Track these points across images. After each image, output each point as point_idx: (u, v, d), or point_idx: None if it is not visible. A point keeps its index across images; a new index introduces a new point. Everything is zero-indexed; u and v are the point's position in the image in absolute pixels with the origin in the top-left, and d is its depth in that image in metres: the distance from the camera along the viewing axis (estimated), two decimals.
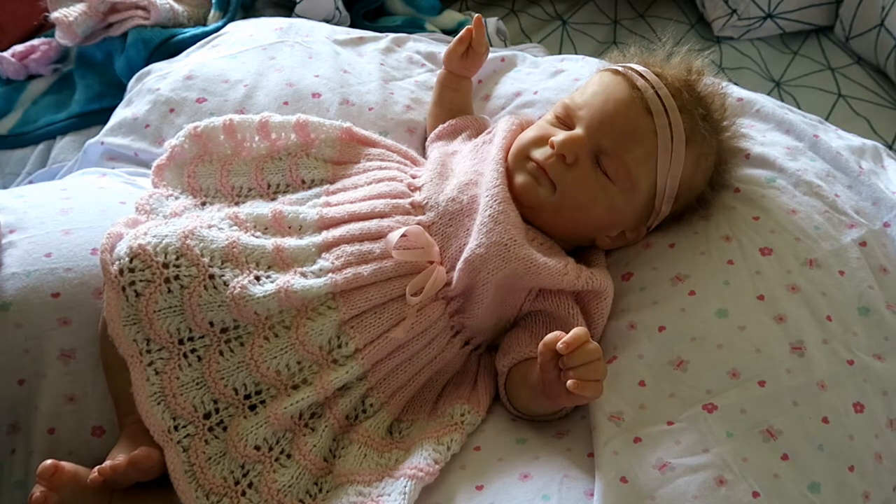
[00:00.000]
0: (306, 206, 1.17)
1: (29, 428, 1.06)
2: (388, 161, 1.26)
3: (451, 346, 1.13)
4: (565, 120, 1.18)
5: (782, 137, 1.32)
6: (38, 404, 1.06)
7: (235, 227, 1.10)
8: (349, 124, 1.28)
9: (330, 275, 1.07)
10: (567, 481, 1.02)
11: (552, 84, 1.45)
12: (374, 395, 1.09)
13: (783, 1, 1.82)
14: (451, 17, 1.86)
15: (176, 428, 1.01)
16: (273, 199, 1.21)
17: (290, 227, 1.14)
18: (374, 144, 1.28)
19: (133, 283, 1.01)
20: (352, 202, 1.16)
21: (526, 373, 1.09)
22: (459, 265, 1.09)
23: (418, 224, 1.13)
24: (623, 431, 1.04)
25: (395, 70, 1.51)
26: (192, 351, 1.03)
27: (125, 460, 0.97)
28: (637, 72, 1.18)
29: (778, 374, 1.07)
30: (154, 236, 1.03)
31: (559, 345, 0.96)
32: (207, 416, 1.02)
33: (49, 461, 0.96)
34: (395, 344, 1.08)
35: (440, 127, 1.34)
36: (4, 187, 1.57)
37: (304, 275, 1.07)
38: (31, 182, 1.53)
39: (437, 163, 1.22)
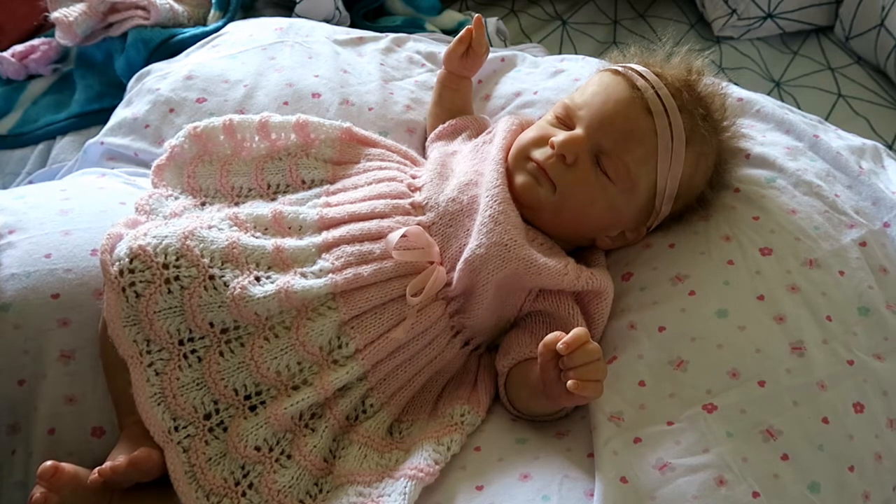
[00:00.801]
0: (306, 206, 1.17)
1: (29, 428, 1.06)
2: (388, 161, 1.26)
3: (451, 347, 1.13)
4: (565, 120, 1.18)
5: (782, 137, 1.32)
6: (37, 405, 1.06)
7: (235, 228, 1.10)
8: (349, 124, 1.28)
9: (330, 275, 1.07)
10: (567, 481, 1.02)
11: (552, 84, 1.45)
12: (374, 395, 1.09)
13: (783, 1, 1.82)
14: (451, 17, 1.86)
15: (176, 429, 1.01)
16: (273, 200, 1.21)
17: (290, 228, 1.14)
18: (374, 144, 1.28)
19: (133, 283, 1.01)
20: (352, 202, 1.16)
21: (526, 373, 1.09)
22: (459, 265, 1.09)
23: (418, 224, 1.13)
24: (623, 431, 1.04)
25: (395, 70, 1.51)
26: (193, 352, 1.03)
27: (125, 461, 0.97)
28: (637, 72, 1.18)
29: (778, 374, 1.07)
30: (154, 237, 1.03)
31: (559, 345, 0.96)
32: (208, 416, 1.02)
33: (49, 462, 0.96)
34: (396, 344, 1.08)
35: (440, 127, 1.34)
36: (4, 187, 1.57)
37: (304, 275, 1.07)
38: (31, 182, 1.53)
39: (437, 163, 1.22)
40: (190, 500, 0.99)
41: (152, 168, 1.23)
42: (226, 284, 1.02)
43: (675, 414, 1.05)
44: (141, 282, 1.01)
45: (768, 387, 1.06)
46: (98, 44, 1.70)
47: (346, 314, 1.06)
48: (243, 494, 1.00)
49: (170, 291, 1.01)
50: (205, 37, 1.59)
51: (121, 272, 1.01)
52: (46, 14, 1.70)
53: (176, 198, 1.19)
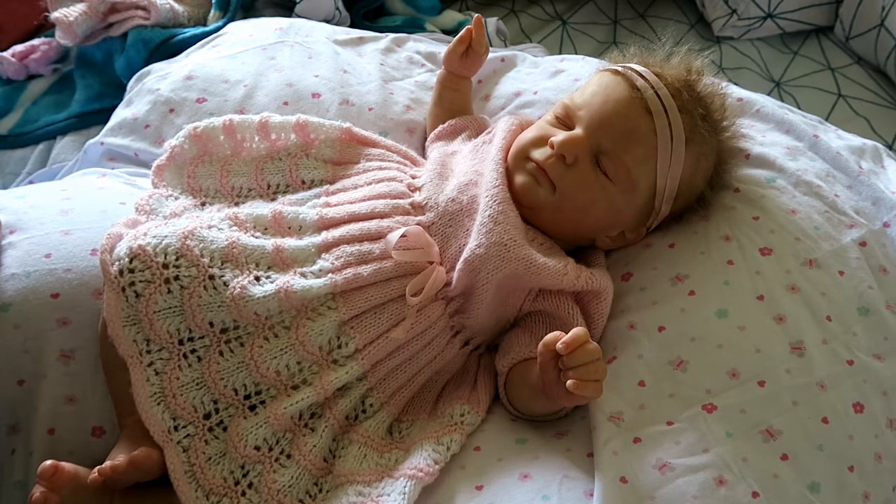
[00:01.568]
0: (306, 206, 1.17)
1: (29, 428, 1.06)
2: (388, 161, 1.26)
3: (450, 347, 1.13)
4: (565, 120, 1.18)
5: (782, 137, 1.31)
6: (37, 405, 1.06)
7: (235, 228, 1.10)
8: (349, 124, 1.28)
9: (330, 275, 1.07)
10: (567, 481, 1.02)
11: (552, 84, 1.45)
12: (373, 395, 1.09)
13: (783, 1, 1.82)
14: (451, 17, 1.86)
15: (176, 428, 1.01)
16: (273, 200, 1.21)
17: (289, 228, 1.14)
18: (373, 145, 1.28)
19: (133, 283, 1.01)
20: (351, 202, 1.16)
21: (526, 373, 1.09)
22: (459, 265, 1.09)
23: (418, 224, 1.13)
24: (623, 432, 1.04)
25: (395, 70, 1.51)
26: (192, 351, 1.03)
27: (125, 460, 0.97)
28: (637, 72, 1.18)
29: (778, 374, 1.07)
30: (154, 237, 1.03)
31: (559, 345, 0.96)
32: (207, 416, 1.02)
33: (49, 461, 0.96)
34: (395, 344, 1.08)
35: (440, 127, 1.34)
36: (4, 187, 1.57)
37: (303, 275, 1.07)
38: (31, 182, 1.53)
39: (436, 163, 1.22)
40: (190, 500, 0.99)
41: (152, 168, 1.23)
42: (225, 284, 1.03)
43: (674, 414, 1.05)
44: (141, 281, 1.01)
45: (768, 387, 1.06)
46: (98, 44, 1.70)
47: (346, 314, 1.06)
48: (243, 494, 1.01)
49: (169, 291, 1.01)
50: (205, 37, 1.59)
51: (121, 272, 1.01)
52: (46, 14, 1.70)
53: (176, 198, 1.19)
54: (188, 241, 1.03)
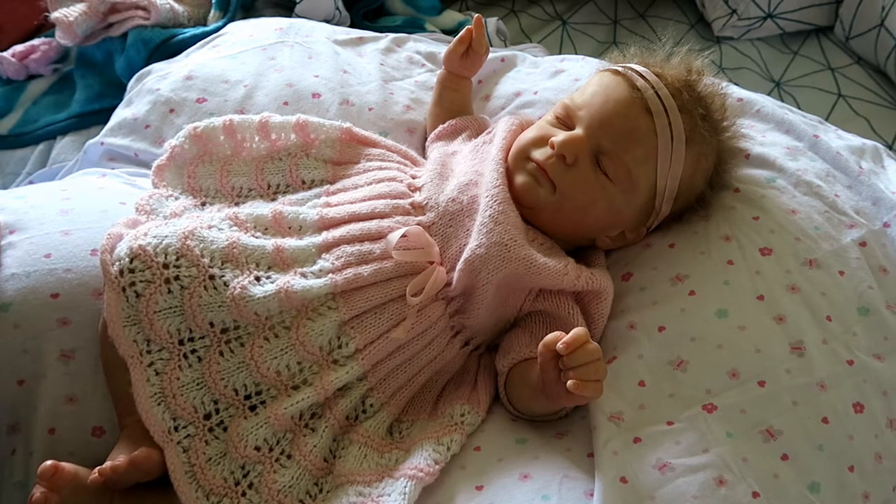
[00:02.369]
0: (306, 206, 1.17)
1: (29, 428, 1.06)
2: (388, 161, 1.26)
3: (451, 347, 1.13)
4: (565, 120, 1.18)
5: (782, 137, 1.32)
6: (37, 405, 1.06)
7: (235, 228, 1.10)
8: (349, 124, 1.28)
9: (330, 275, 1.07)
10: (567, 481, 1.02)
11: (552, 84, 1.45)
12: (374, 395, 1.09)
13: (783, 1, 1.82)
14: (451, 17, 1.86)
15: (176, 428, 1.01)
16: (273, 200, 1.21)
17: (290, 228, 1.14)
18: (374, 145, 1.28)
19: (133, 283, 1.01)
20: (352, 202, 1.16)
21: (526, 373, 1.09)
22: (459, 265, 1.09)
23: (418, 224, 1.13)
24: (623, 431, 1.04)
25: (395, 70, 1.51)
26: (193, 351, 1.03)
27: (125, 461, 0.97)
28: (637, 72, 1.18)
29: (778, 374, 1.07)
30: (154, 237, 1.03)
31: (559, 345, 0.96)
32: (208, 416, 1.02)
33: (49, 462, 0.96)
34: (396, 344, 1.08)
35: (440, 127, 1.34)
36: (5, 187, 1.57)
37: (304, 275, 1.07)
38: (31, 182, 1.53)
39: (437, 163, 1.22)
40: (190, 500, 0.99)
41: (153, 168, 1.23)
42: (226, 284, 1.03)
43: (674, 414, 1.05)
44: (141, 281, 1.01)
45: (768, 387, 1.06)
46: (98, 44, 1.70)
47: (346, 314, 1.06)
48: (243, 494, 1.01)
49: (170, 291, 1.01)
50: (205, 37, 1.59)
51: (121, 272, 1.01)
52: (46, 14, 1.70)
53: (176, 198, 1.19)
54: (188, 241, 1.03)
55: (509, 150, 1.20)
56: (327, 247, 1.11)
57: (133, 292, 1.01)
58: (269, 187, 1.23)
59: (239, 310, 1.02)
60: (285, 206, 1.17)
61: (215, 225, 1.09)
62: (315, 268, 1.08)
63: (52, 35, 1.73)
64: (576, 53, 1.82)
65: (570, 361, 0.96)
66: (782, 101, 1.53)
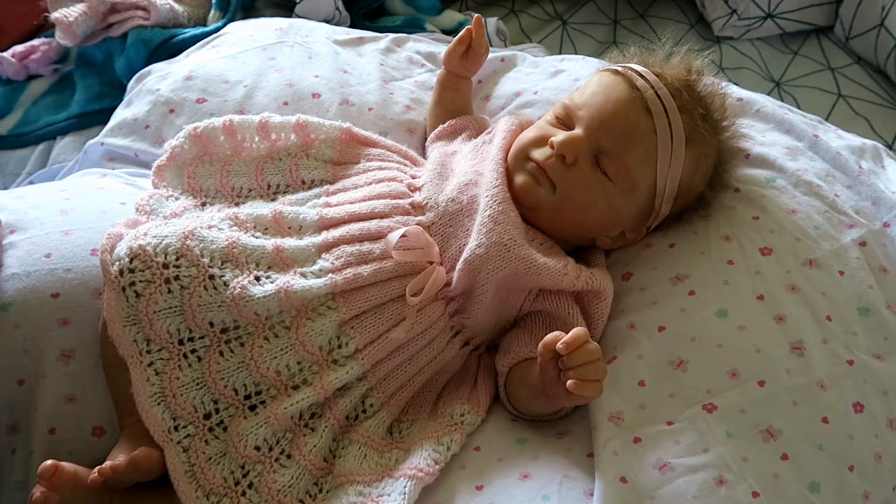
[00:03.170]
0: (306, 206, 1.17)
1: (29, 428, 1.06)
2: (388, 161, 1.26)
3: (450, 347, 1.13)
4: (565, 120, 1.18)
5: (782, 137, 1.32)
6: (37, 404, 1.06)
7: (235, 228, 1.10)
8: (349, 125, 1.28)
9: (330, 275, 1.07)
10: (567, 481, 1.02)
11: (552, 84, 1.45)
12: (374, 395, 1.09)
13: (783, 1, 1.82)
14: (451, 17, 1.86)
15: (176, 428, 1.01)
16: (273, 200, 1.21)
17: (289, 228, 1.14)
18: (373, 145, 1.28)
19: (133, 283, 1.01)
20: (352, 202, 1.16)
21: (526, 373, 1.09)
22: (459, 265, 1.09)
23: (418, 224, 1.13)
24: (623, 431, 1.04)
25: (395, 70, 1.51)
26: (192, 351, 1.03)
27: (125, 460, 0.97)
28: (637, 72, 1.18)
29: (778, 374, 1.07)
30: (154, 237, 1.03)
31: (559, 345, 0.96)
32: (207, 416, 1.02)
33: (49, 461, 0.96)
34: (395, 344, 1.08)
35: (440, 127, 1.34)
36: (4, 188, 1.56)
37: (303, 275, 1.07)
38: (31, 182, 1.53)
39: (436, 163, 1.22)
40: (190, 500, 0.99)
41: (153, 168, 1.23)
42: (226, 284, 1.03)
43: (674, 414, 1.05)
44: (141, 281, 1.01)
45: (768, 387, 1.06)
46: (98, 44, 1.70)
47: (346, 314, 1.06)
48: (243, 494, 1.01)
49: (170, 291, 1.01)
50: (205, 37, 1.59)
51: (121, 272, 1.01)
52: (46, 14, 1.70)
53: (176, 198, 1.19)
54: (188, 241, 1.03)
55: (509, 150, 1.20)
56: (327, 247, 1.11)
57: (133, 292, 1.01)
58: (269, 187, 1.23)
59: (239, 309, 1.02)
60: (285, 206, 1.17)
61: (215, 225, 1.09)
62: (315, 268, 1.08)
63: (52, 35, 1.73)
64: (576, 53, 1.82)
65: (570, 361, 0.96)
66: (782, 101, 1.53)
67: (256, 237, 1.10)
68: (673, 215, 1.22)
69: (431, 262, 1.10)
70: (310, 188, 1.22)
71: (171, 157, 1.23)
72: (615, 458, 1.02)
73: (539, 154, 1.16)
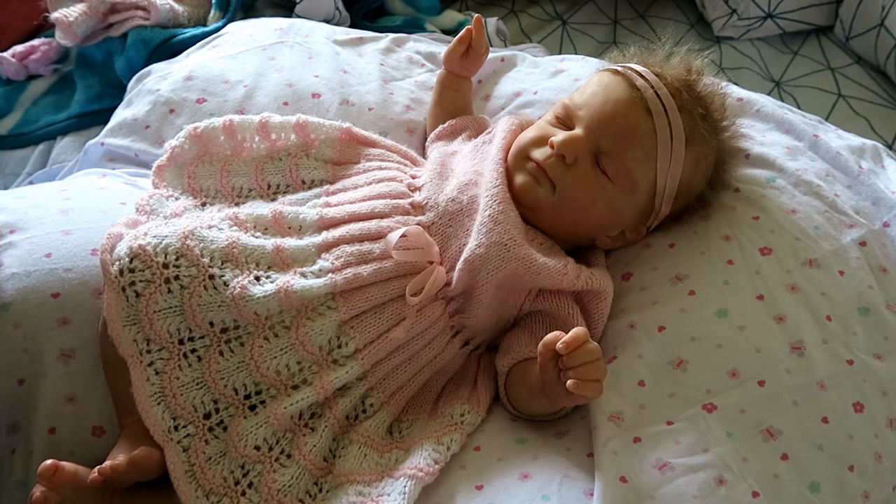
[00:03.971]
0: (306, 206, 1.17)
1: (29, 428, 1.06)
2: (388, 161, 1.26)
3: (450, 347, 1.13)
4: (565, 120, 1.18)
5: (782, 137, 1.32)
6: (37, 404, 1.06)
7: (235, 228, 1.10)
8: (349, 125, 1.28)
9: (330, 275, 1.07)
10: (567, 481, 1.02)
11: (552, 84, 1.45)
12: (373, 395, 1.09)
13: (783, 1, 1.82)
14: (451, 17, 1.86)
15: (176, 428, 1.01)
16: (273, 200, 1.21)
17: (289, 228, 1.14)
18: (373, 145, 1.28)
19: (133, 283, 1.01)
20: (352, 202, 1.16)
21: (526, 373, 1.09)
22: (459, 265, 1.09)
23: (418, 224, 1.13)
24: (623, 431, 1.04)
25: (395, 70, 1.51)
26: (192, 351, 1.03)
27: (125, 460, 0.97)
28: (636, 72, 1.18)
29: (778, 374, 1.07)
30: (154, 236, 1.03)
31: (559, 345, 0.96)
32: (207, 416, 1.02)
33: (49, 461, 0.96)
34: (395, 344, 1.08)
35: (440, 127, 1.34)
36: (5, 188, 1.56)
37: (303, 275, 1.07)
38: (31, 183, 1.53)
39: (436, 163, 1.22)
40: (190, 500, 0.99)
41: (153, 169, 1.23)
42: (225, 284, 1.03)
43: (674, 414, 1.05)
44: (141, 281, 1.01)
45: (768, 387, 1.06)
46: (98, 44, 1.70)
47: (346, 314, 1.06)
48: (243, 494, 1.01)
49: (170, 291, 1.01)
50: (205, 37, 1.59)
51: (121, 271, 1.01)
52: (46, 14, 1.70)
53: (176, 198, 1.19)
54: (188, 241, 1.03)
55: (509, 149, 1.20)
56: (327, 246, 1.11)
57: (133, 292, 1.01)
58: (269, 187, 1.23)
59: (239, 309, 1.02)
60: (285, 206, 1.17)
61: (215, 225, 1.09)
62: (315, 267, 1.08)
63: (52, 35, 1.73)
64: (576, 53, 1.82)
65: (570, 361, 0.96)
66: (782, 101, 1.53)
67: (256, 237, 1.10)
68: (673, 215, 1.22)
69: (431, 262, 1.10)
70: (310, 188, 1.22)
71: (172, 157, 1.23)
72: (615, 457, 1.02)
73: (539, 154, 1.16)
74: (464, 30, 1.35)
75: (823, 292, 1.13)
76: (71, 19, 1.65)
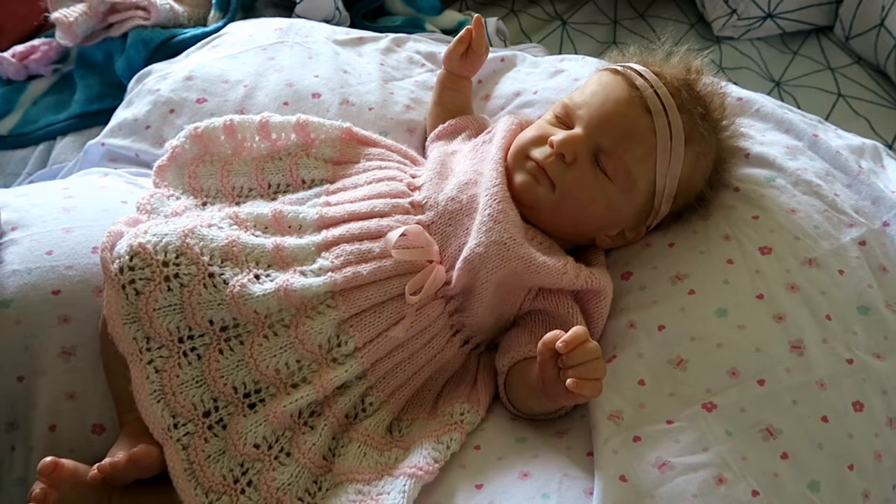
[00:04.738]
0: (306, 205, 1.18)
1: (28, 425, 1.07)
2: (388, 161, 1.26)
3: (450, 346, 1.13)
4: (565, 119, 1.18)
5: (782, 137, 1.32)
6: (37, 401, 1.07)
7: (235, 227, 1.10)
8: (349, 124, 1.28)
9: (329, 274, 1.07)
10: (566, 480, 1.02)
11: (552, 84, 1.45)
12: (373, 393, 1.09)
13: (783, 1, 1.82)
14: (451, 17, 1.86)
15: (175, 426, 1.01)
16: (273, 199, 1.21)
17: (289, 227, 1.14)
18: (373, 144, 1.28)
19: (133, 281, 1.01)
20: (351, 202, 1.16)
21: (525, 372, 1.09)
22: (459, 264, 1.10)
23: (418, 223, 1.13)
24: (622, 430, 1.04)
25: (394, 70, 1.51)
26: (192, 349, 1.03)
27: (125, 457, 0.97)
28: (636, 71, 1.18)
29: (777, 373, 1.07)
30: (154, 235, 1.03)
31: (558, 343, 0.96)
32: (207, 414, 1.02)
33: (49, 458, 0.96)
34: (395, 343, 1.08)
35: (440, 127, 1.34)
36: (5, 188, 1.56)
37: (303, 273, 1.07)
38: (31, 182, 1.53)
39: (436, 162, 1.23)
40: (189, 498, 0.99)
41: (154, 168, 1.23)
42: (225, 282, 1.03)
43: (674, 413, 1.05)
44: (141, 279, 1.01)
45: (768, 386, 1.06)
46: (98, 44, 1.70)
47: (346, 312, 1.06)
48: (242, 492, 1.01)
49: (169, 289, 1.01)
50: (205, 37, 1.59)
51: (121, 269, 1.01)
52: (46, 14, 1.70)
53: (177, 198, 1.19)
54: (188, 240, 1.03)
55: (509, 149, 1.20)
56: (327, 245, 1.11)
57: (133, 290, 1.01)
58: (269, 187, 1.23)
59: (238, 308, 1.02)
60: (285, 205, 1.17)
61: (215, 223, 1.09)
62: (314, 266, 1.08)
63: (52, 35, 1.73)
64: (576, 53, 1.82)
65: (570, 360, 0.96)
66: (782, 100, 1.53)
67: (256, 236, 1.10)
68: (672, 214, 1.22)
69: (431, 261, 1.10)
70: (310, 187, 1.23)
71: (172, 156, 1.23)
72: (615, 456, 1.02)
73: (539, 153, 1.16)
74: (464, 30, 1.35)
75: (823, 291, 1.13)
76: (71, 19, 1.65)
